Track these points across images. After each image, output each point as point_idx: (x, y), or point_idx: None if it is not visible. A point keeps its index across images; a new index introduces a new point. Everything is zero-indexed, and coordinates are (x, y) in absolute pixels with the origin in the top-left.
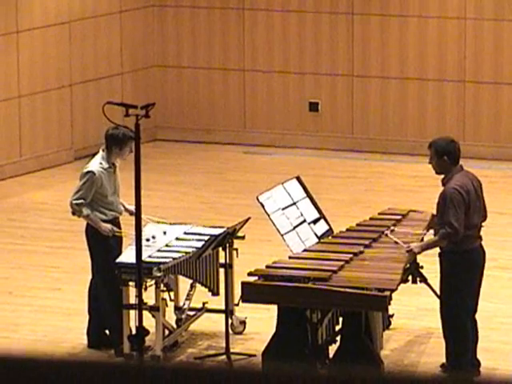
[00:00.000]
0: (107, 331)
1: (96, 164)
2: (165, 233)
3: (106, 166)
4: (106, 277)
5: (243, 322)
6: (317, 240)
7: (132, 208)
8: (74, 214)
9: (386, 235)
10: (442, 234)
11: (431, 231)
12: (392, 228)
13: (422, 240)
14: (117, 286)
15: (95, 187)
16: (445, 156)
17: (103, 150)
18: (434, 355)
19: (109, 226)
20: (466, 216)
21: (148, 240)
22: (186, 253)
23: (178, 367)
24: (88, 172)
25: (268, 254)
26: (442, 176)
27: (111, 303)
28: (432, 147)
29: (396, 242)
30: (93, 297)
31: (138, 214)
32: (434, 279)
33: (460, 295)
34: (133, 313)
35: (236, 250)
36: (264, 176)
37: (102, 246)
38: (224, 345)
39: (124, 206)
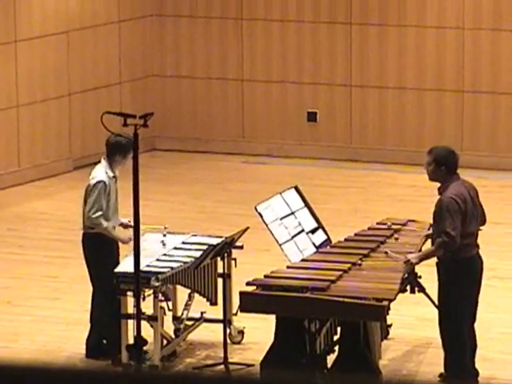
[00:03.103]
0: (105, 341)
1: (102, 173)
2: (163, 241)
3: (111, 174)
4: (103, 287)
5: (241, 332)
6: (315, 250)
7: (125, 221)
8: (91, 228)
9: (387, 253)
10: (439, 243)
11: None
12: (389, 239)
13: (420, 250)
14: (115, 296)
15: (105, 196)
16: (443, 166)
17: (105, 159)
18: (432, 365)
19: (125, 236)
20: (463, 225)
21: (163, 242)
22: (185, 262)
23: (176, 376)
24: (98, 182)
25: (266, 263)
26: (439, 185)
27: (109, 313)
28: (432, 153)
29: (395, 258)
30: (94, 306)
31: (136, 224)
32: (433, 289)
33: (458, 304)
34: (131, 322)
35: (234, 259)
36: (262, 186)
37: (100, 256)
38: (222, 354)
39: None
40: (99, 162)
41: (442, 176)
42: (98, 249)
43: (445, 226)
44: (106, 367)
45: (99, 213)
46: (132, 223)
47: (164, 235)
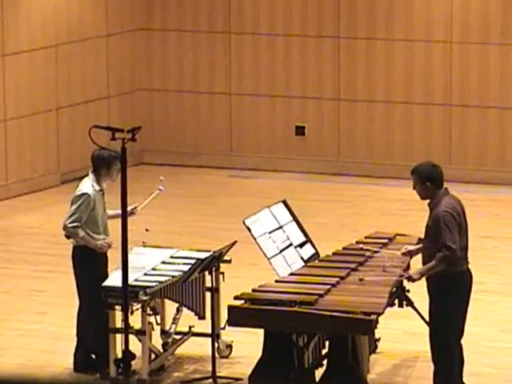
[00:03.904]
0: (93, 355)
1: (89, 186)
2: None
3: (97, 188)
4: (92, 301)
5: (229, 346)
6: (303, 264)
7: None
8: (68, 237)
9: (384, 266)
10: (441, 258)
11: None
12: (378, 250)
13: (409, 265)
14: (103, 310)
15: (89, 209)
16: (428, 182)
17: (92, 173)
18: (420, 379)
19: (103, 242)
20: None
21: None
22: (173, 276)
23: None
24: (83, 194)
25: (254, 277)
26: (428, 200)
27: (97, 327)
28: (415, 173)
29: (394, 273)
30: (81, 320)
31: (124, 239)
32: (421, 303)
33: (449, 318)
34: (119, 337)
35: (222, 273)
36: (250, 200)
37: (89, 270)
38: (210, 369)
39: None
40: (87, 175)
41: (430, 192)
42: (87, 262)
43: (444, 239)
44: (94, 381)
45: (76, 223)
46: (137, 209)
47: (143, 244)
